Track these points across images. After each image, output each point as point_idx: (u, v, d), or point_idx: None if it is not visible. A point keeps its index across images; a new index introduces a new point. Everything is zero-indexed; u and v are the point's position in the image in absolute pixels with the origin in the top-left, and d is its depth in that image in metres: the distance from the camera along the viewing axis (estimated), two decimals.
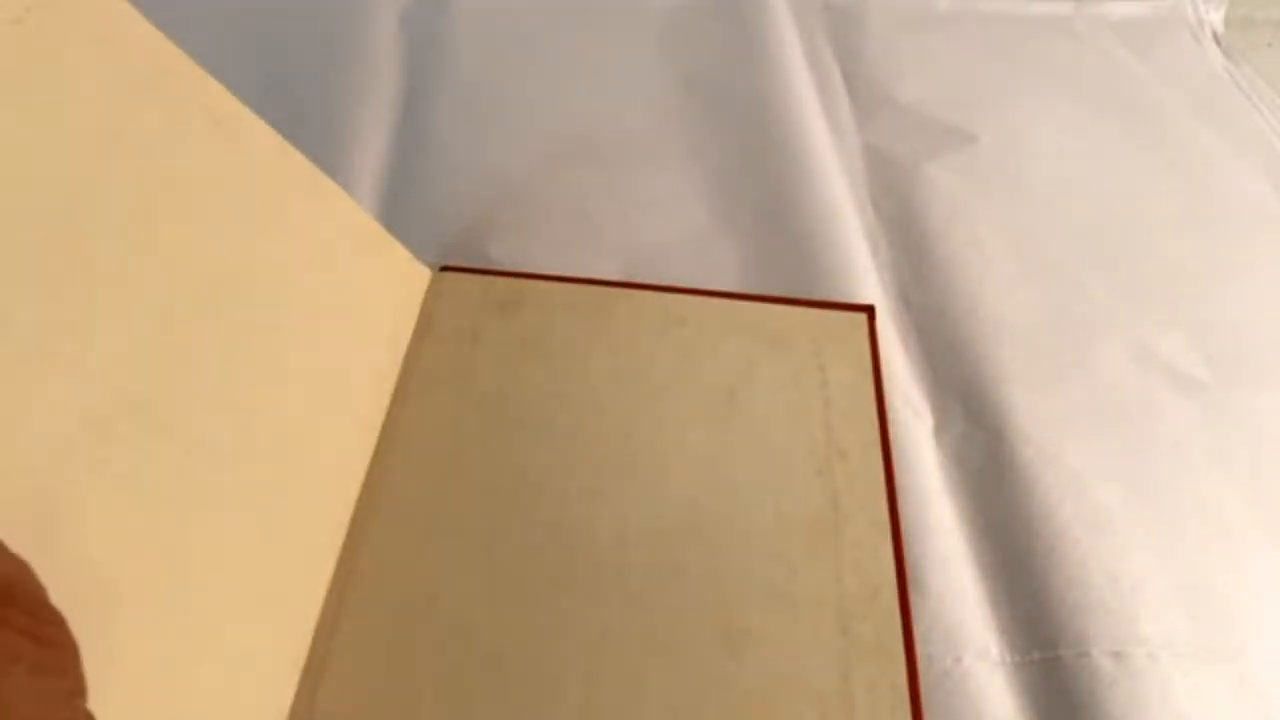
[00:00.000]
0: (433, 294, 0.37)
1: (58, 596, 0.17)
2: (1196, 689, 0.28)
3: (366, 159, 0.45)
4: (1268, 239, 0.43)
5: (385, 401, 0.33)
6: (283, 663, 0.26)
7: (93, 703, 0.17)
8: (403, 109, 0.48)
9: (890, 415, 0.35)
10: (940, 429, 0.36)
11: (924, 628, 0.30)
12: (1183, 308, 0.40)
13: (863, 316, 0.37)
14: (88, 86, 0.23)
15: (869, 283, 0.40)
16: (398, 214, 0.42)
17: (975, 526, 0.33)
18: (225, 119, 0.27)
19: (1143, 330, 0.39)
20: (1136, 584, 0.30)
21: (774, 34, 0.53)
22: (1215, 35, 0.57)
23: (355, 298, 0.32)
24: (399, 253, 0.35)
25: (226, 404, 0.25)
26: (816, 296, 0.38)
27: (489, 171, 0.45)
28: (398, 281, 0.35)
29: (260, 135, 0.28)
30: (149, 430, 0.22)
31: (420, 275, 0.37)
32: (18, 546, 0.17)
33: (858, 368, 0.35)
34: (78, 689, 0.16)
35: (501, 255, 0.40)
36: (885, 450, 0.32)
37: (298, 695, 0.26)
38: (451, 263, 0.39)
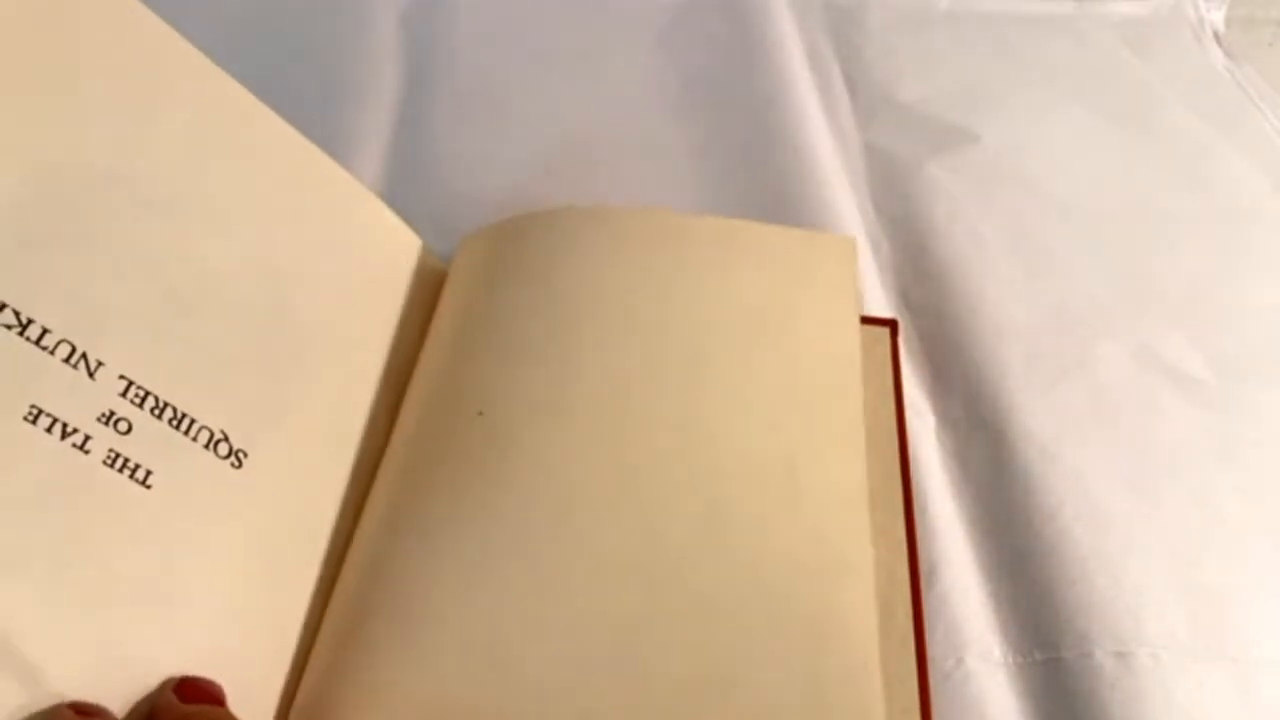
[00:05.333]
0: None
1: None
2: (1199, 689, 0.28)
3: (366, 159, 0.44)
4: (1269, 238, 0.43)
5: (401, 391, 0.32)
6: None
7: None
8: (403, 109, 0.48)
9: None
10: (941, 429, 0.36)
11: (925, 629, 0.29)
12: (1184, 307, 0.40)
13: (885, 331, 0.36)
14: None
15: (870, 283, 0.40)
16: (398, 213, 0.42)
17: (977, 527, 0.33)
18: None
19: (1144, 330, 0.38)
20: (1139, 584, 0.30)
21: (774, 33, 0.53)
22: (1216, 34, 0.57)
23: (376, 291, 0.32)
24: (416, 245, 0.35)
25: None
26: None
27: (489, 171, 0.45)
28: (418, 276, 0.35)
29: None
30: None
31: (437, 270, 0.37)
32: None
33: (879, 385, 0.34)
34: None
35: None
36: (904, 471, 0.32)
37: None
38: None
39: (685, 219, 0.36)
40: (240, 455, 0.24)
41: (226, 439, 0.24)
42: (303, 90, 0.47)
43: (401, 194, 0.43)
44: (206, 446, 0.23)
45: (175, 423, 0.23)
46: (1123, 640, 0.29)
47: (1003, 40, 0.54)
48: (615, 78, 0.51)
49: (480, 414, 0.30)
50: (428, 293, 0.35)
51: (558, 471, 0.28)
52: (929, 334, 0.39)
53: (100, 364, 0.21)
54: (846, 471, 0.29)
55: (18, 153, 0.21)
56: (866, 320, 0.37)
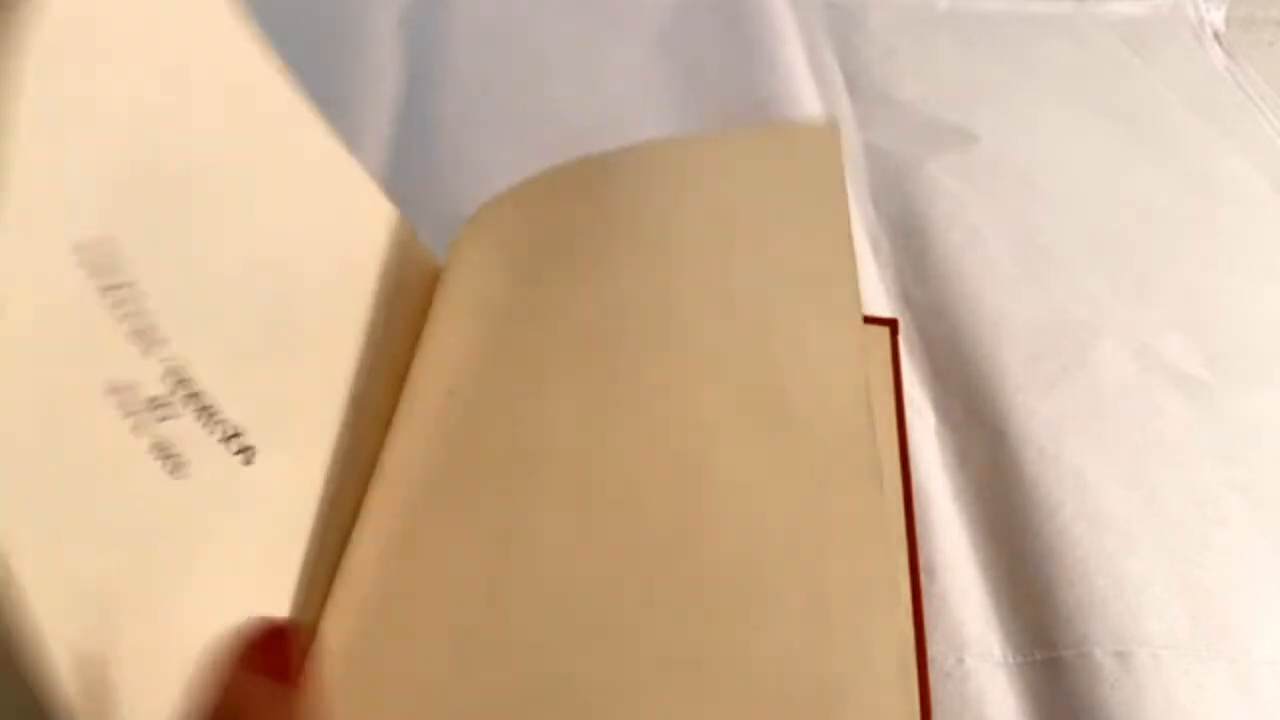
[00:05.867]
0: None
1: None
2: (1199, 688, 0.28)
3: (367, 158, 0.44)
4: (1269, 238, 0.43)
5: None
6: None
7: None
8: (403, 109, 0.48)
9: None
10: (941, 428, 0.36)
11: (926, 629, 0.29)
12: (1184, 307, 0.40)
13: (885, 331, 0.36)
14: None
15: (870, 282, 0.40)
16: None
17: (976, 526, 0.33)
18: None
19: (1144, 330, 0.38)
20: (1138, 583, 0.30)
21: (774, 33, 0.53)
22: (1216, 34, 0.57)
23: (376, 286, 0.32)
24: (414, 242, 0.36)
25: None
26: None
27: (490, 171, 0.45)
28: (415, 272, 0.35)
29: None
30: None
31: (434, 266, 0.37)
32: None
33: (879, 384, 0.33)
34: None
35: None
36: (905, 471, 0.31)
37: None
38: None
39: (653, 150, 0.35)
40: (250, 453, 0.24)
41: (239, 435, 0.24)
42: (302, 90, 0.47)
43: (402, 194, 0.43)
44: (222, 441, 0.23)
45: (201, 413, 0.22)
46: (1122, 640, 0.29)
47: (1002, 40, 0.54)
48: (615, 78, 0.51)
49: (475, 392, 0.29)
50: (425, 289, 0.35)
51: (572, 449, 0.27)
52: (929, 333, 0.39)
53: (163, 342, 0.21)
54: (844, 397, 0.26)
55: (126, 124, 0.21)
56: (867, 320, 0.37)
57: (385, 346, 0.32)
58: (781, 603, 0.23)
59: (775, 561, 0.24)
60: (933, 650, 0.29)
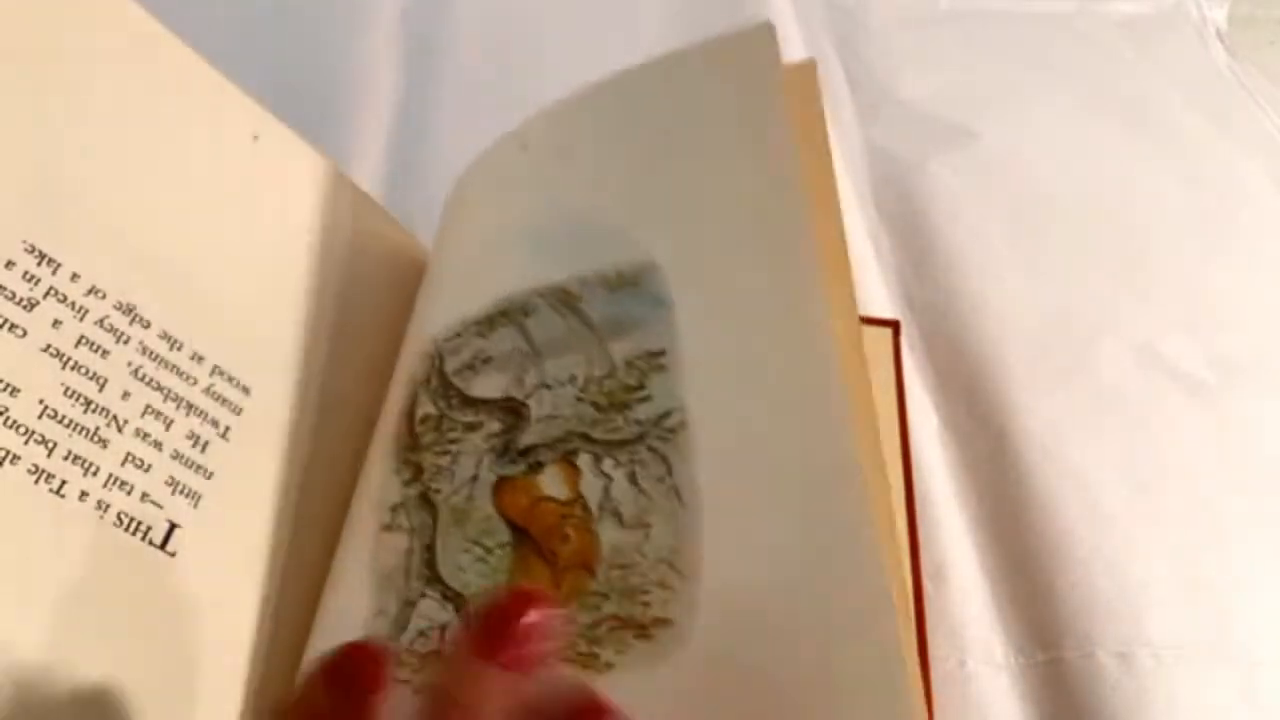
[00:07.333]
0: None
1: None
2: (1201, 689, 0.28)
3: (366, 159, 0.44)
4: (1270, 237, 0.43)
5: None
6: None
7: None
8: (403, 108, 0.48)
9: None
10: (944, 429, 0.36)
11: (927, 630, 0.29)
12: (1186, 307, 0.40)
13: (887, 332, 0.36)
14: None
15: (872, 282, 0.40)
16: (398, 216, 0.42)
17: (978, 527, 0.33)
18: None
19: (1146, 330, 0.38)
20: (1141, 584, 0.30)
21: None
22: (1218, 33, 0.56)
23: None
24: (407, 241, 0.36)
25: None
26: None
27: None
28: (405, 267, 0.35)
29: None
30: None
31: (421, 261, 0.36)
32: None
33: (881, 386, 0.33)
34: None
35: None
36: (907, 472, 0.31)
37: None
38: None
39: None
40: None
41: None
42: (303, 89, 0.47)
43: (401, 194, 0.43)
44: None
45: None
46: (1124, 641, 0.29)
47: (1004, 38, 0.54)
48: None
49: None
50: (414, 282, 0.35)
51: None
52: (931, 334, 0.39)
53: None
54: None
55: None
56: (868, 321, 0.37)
57: (374, 339, 0.32)
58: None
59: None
60: (935, 651, 0.29)
